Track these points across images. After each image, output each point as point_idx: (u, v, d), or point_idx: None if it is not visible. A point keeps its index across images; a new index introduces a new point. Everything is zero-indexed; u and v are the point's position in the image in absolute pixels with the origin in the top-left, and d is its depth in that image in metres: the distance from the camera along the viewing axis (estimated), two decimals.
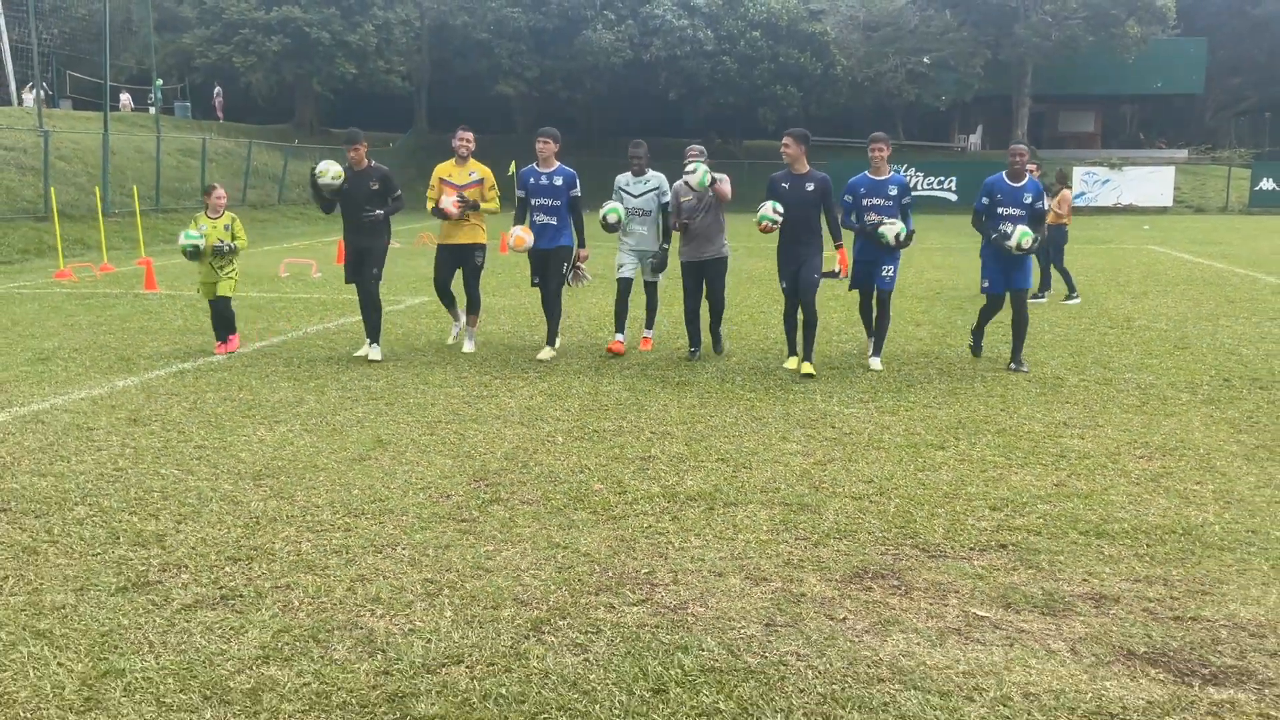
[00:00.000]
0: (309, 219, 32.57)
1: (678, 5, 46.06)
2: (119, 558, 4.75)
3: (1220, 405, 7.86)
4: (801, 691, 3.52)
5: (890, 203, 9.25)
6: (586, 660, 3.75)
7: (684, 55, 45.60)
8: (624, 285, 10.01)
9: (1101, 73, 49.16)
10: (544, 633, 3.98)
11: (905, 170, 40.40)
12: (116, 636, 3.94)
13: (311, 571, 4.58)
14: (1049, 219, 13.42)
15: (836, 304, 13.27)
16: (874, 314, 9.65)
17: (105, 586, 4.42)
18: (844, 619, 4.11)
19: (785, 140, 9.20)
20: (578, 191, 9.78)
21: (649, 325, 10.38)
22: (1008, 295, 9.48)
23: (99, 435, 6.98)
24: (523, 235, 9.65)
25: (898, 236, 9.13)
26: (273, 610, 4.17)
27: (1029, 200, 9.29)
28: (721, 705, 3.43)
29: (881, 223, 9.19)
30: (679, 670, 3.66)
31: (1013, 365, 9.35)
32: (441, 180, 9.80)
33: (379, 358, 9.68)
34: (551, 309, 9.97)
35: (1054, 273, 14.46)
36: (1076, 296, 13.94)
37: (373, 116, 49.00)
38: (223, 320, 10.17)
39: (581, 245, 9.95)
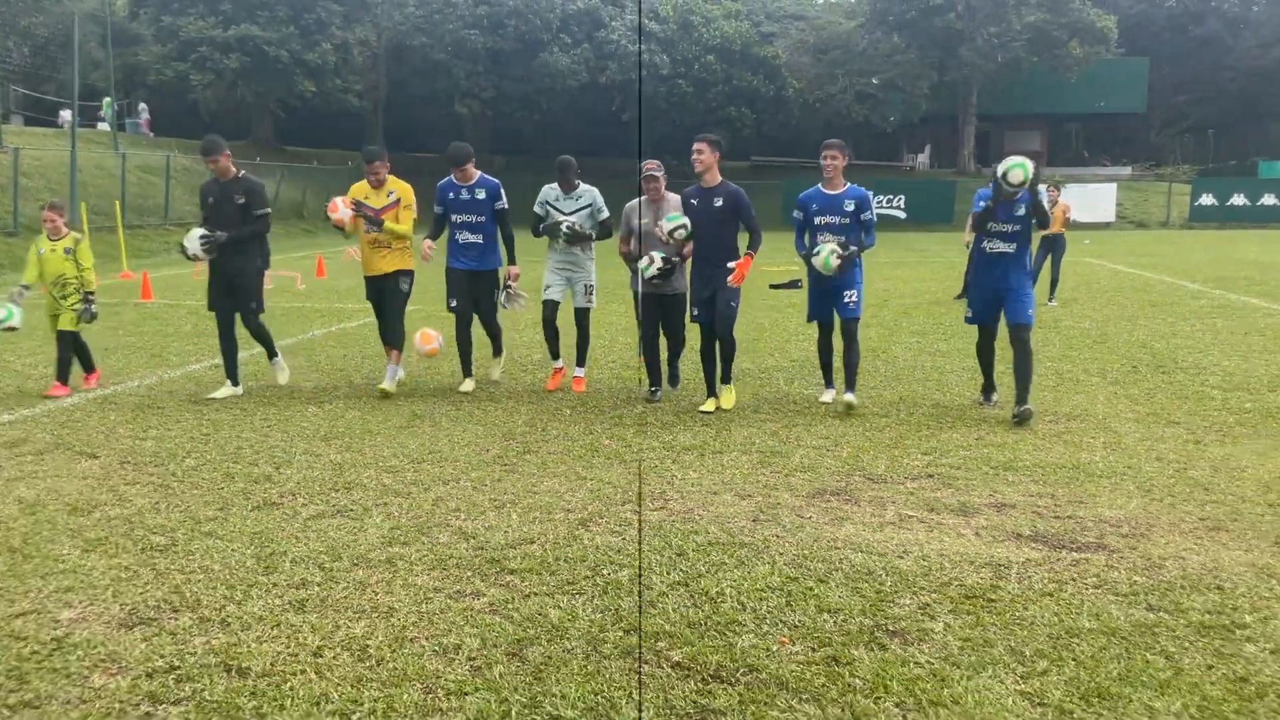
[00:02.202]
0: (275, 235, 33.34)
1: (633, 30, 47.72)
2: (242, 490, 6.02)
3: (1124, 385, 9.28)
4: (781, 554, 4.91)
5: (846, 220, 8.13)
6: (625, 540, 5.11)
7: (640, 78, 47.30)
8: (550, 308, 9.09)
9: (1045, 93, 50.90)
10: (589, 527, 5.34)
11: None
12: (267, 535, 5.22)
13: (399, 496, 5.90)
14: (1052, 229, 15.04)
15: (792, 310, 14.69)
16: (833, 351, 8.56)
17: (242, 506, 5.71)
18: (809, 517, 5.51)
19: (698, 146, 8.06)
20: (504, 203, 9.01)
21: (580, 362, 9.26)
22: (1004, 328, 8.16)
23: (172, 411, 8.21)
24: (431, 334, 9.22)
25: (841, 256, 7.93)
26: (380, 518, 5.49)
27: (1020, 212, 7.88)
28: (726, 560, 4.82)
29: (817, 250, 8.06)
30: (694, 543, 5.05)
31: (1017, 411, 7.78)
32: (356, 202, 8.81)
33: (285, 380, 9.27)
34: (492, 328, 9.40)
35: (1051, 274, 15.89)
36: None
37: (329, 135, 49.65)
38: (80, 353, 9.27)
39: (512, 262, 9.13)
